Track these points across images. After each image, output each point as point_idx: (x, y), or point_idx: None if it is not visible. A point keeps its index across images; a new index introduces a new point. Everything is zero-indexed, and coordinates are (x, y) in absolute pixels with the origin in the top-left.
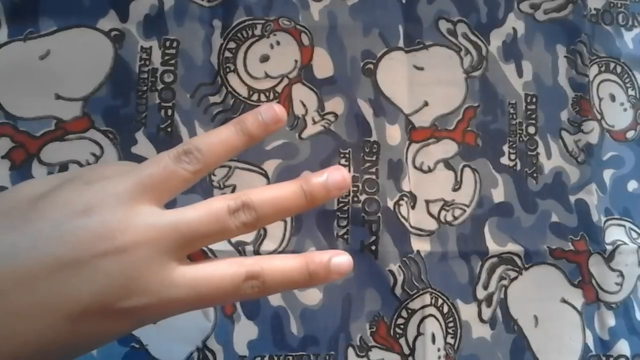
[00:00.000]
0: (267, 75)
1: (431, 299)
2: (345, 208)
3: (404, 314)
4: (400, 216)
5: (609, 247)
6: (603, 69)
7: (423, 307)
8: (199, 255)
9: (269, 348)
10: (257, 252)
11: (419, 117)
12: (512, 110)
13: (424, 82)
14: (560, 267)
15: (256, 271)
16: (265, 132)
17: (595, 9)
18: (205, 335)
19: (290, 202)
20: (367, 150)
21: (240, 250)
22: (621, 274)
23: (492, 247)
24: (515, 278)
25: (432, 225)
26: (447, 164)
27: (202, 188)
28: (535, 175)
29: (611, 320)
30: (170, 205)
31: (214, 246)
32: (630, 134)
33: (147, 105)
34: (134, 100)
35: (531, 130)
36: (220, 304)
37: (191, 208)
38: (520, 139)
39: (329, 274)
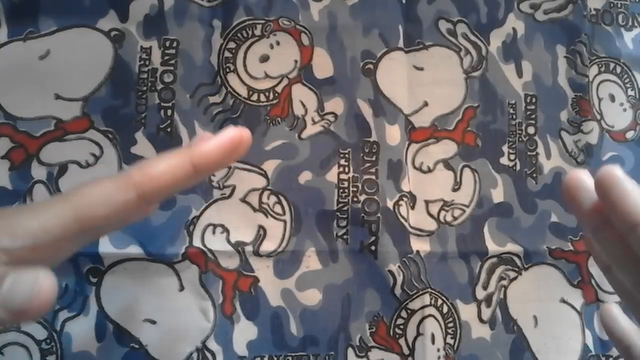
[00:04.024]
0: (267, 76)
1: (431, 299)
2: (345, 208)
3: (404, 314)
4: (399, 216)
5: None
6: (603, 69)
7: (423, 307)
8: (199, 255)
9: (269, 348)
10: (256, 252)
11: (418, 118)
12: (511, 111)
13: (423, 82)
14: (559, 267)
15: (147, 190)
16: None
17: (595, 9)
18: (204, 336)
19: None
20: (366, 150)
21: (239, 250)
22: None
23: (492, 247)
24: (515, 278)
25: (431, 225)
26: (447, 164)
27: (202, 188)
28: (534, 175)
29: None
30: (170, 203)
31: (213, 246)
32: (629, 134)
33: (147, 105)
34: (133, 100)
35: (531, 130)
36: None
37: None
38: (520, 139)
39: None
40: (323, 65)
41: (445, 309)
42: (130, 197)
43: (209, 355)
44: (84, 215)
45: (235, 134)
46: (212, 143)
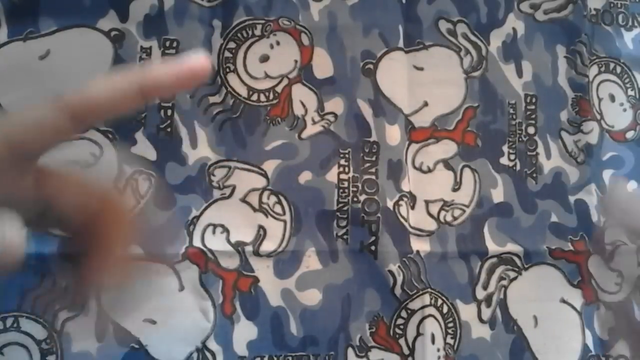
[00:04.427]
0: (267, 75)
1: (431, 299)
2: (345, 208)
3: (404, 314)
4: (399, 216)
5: (609, 248)
6: (603, 69)
7: (423, 307)
8: (199, 255)
9: (269, 348)
10: (256, 253)
11: (418, 117)
12: (511, 111)
13: (423, 82)
14: (559, 267)
15: (80, 112)
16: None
17: (595, 9)
18: (204, 336)
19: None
20: (366, 150)
21: (239, 250)
22: (620, 274)
23: (492, 247)
24: (515, 278)
25: (431, 225)
26: (447, 164)
27: (202, 188)
28: (534, 175)
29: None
30: (169, 205)
31: (213, 246)
32: (629, 134)
33: (147, 105)
34: None
35: (531, 130)
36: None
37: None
38: (520, 139)
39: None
40: (323, 65)
41: (445, 309)
42: (61, 119)
43: (209, 355)
44: (12, 139)
45: (196, 62)
46: (167, 70)
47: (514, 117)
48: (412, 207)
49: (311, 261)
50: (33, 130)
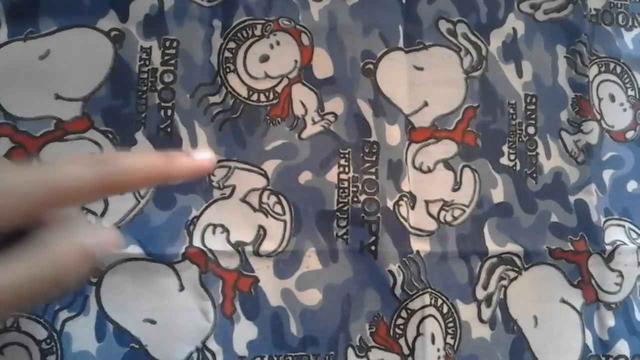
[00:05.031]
0: (267, 75)
1: (431, 299)
2: (345, 208)
3: (404, 314)
4: (399, 216)
5: (609, 247)
6: (603, 69)
7: (423, 307)
8: (199, 255)
9: (269, 348)
10: (256, 252)
11: (418, 117)
12: (511, 111)
13: (423, 82)
14: (559, 267)
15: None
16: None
17: (595, 9)
18: (204, 336)
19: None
20: (366, 150)
21: (239, 250)
22: (621, 274)
23: (492, 247)
24: (515, 278)
25: (431, 225)
26: (447, 164)
27: (202, 188)
28: (534, 175)
29: (611, 321)
30: (170, 203)
31: (213, 246)
32: (629, 134)
33: (147, 105)
34: (133, 100)
35: (531, 130)
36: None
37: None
38: (520, 139)
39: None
40: (323, 65)
41: (445, 309)
42: (96, 187)
43: (209, 355)
44: (52, 191)
45: (211, 159)
46: (191, 162)
47: (514, 117)
48: (412, 207)
49: (311, 261)
50: (68, 191)
